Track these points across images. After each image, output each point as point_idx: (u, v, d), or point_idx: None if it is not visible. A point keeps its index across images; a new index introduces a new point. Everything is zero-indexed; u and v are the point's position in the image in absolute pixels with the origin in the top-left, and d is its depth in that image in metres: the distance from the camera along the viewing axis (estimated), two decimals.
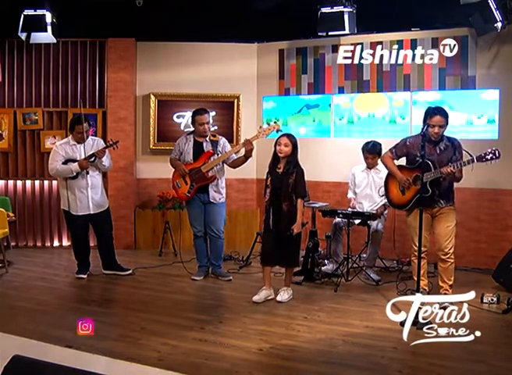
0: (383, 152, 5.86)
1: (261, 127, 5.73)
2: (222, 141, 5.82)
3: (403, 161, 5.10)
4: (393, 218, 6.02)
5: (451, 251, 4.82)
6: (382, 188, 5.33)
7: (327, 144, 7.14)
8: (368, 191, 6.00)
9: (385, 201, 5.74)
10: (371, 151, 5.92)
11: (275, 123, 5.65)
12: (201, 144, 5.76)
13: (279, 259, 5.06)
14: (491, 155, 4.44)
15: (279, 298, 5.02)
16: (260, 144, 6.75)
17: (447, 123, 4.75)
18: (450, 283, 4.86)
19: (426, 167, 4.59)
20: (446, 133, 4.81)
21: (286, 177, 4.92)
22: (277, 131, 5.43)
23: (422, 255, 4.76)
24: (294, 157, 4.94)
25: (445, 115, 4.72)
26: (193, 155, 5.73)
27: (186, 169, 5.68)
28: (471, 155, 4.54)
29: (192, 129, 5.94)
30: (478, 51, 6.24)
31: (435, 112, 4.69)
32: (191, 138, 5.79)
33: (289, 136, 4.99)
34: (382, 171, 5.88)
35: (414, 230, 4.70)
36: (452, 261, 4.85)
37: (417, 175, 4.71)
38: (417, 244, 4.54)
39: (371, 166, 5.99)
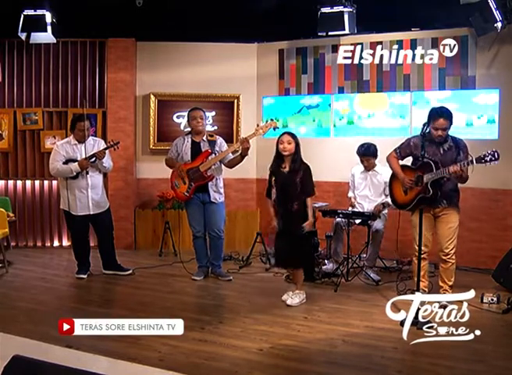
0: (379, 153, 5.90)
1: (258, 125, 5.70)
2: (220, 140, 5.83)
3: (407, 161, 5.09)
4: (397, 218, 6.00)
5: (452, 251, 4.82)
6: (387, 188, 5.33)
7: (327, 144, 7.14)
8: (367, 192, 5.99)
9: (385, 200, 5.74)
10: (365, 154, 5.90)
11: (272, 120, 5.63)
12: (199, 144, 5.76)
13: (290, 260, 4.94)
14: (490, 157, 4.40)
15: (289, 301, 4.91)
16: (259, 144, 6.76)
17: (451, 124, 4.73)
18: (450, 283, 4.86)
19: (428, 167, 4.60)
20: (450, 133, 4.80)
21: (293, 176, 4.84)
22: (274, 129, 5.42)
23: (424, 255, 4.76)
24: (298, 154, 4.89)
25: (449, 117, 4.68)
26: (191, 155, 5.73)
27: (183, 168, 5.69)
28: (470, 156, 4.54)
29: (190, 129, 5.95)
30: (477, 51, 6.23)
31: (438, 116, 4.65)
32: (189, 139, 5.80)
33: (291, 133, 4.95)
34: (380, 173, 5.88)
35: (417, 230, 4.70)
36: (453, 261, 4.84)
37: (420, 175, 4.71)
38: (418, 244, 4.54)
39: (368, 168, 5.97)
